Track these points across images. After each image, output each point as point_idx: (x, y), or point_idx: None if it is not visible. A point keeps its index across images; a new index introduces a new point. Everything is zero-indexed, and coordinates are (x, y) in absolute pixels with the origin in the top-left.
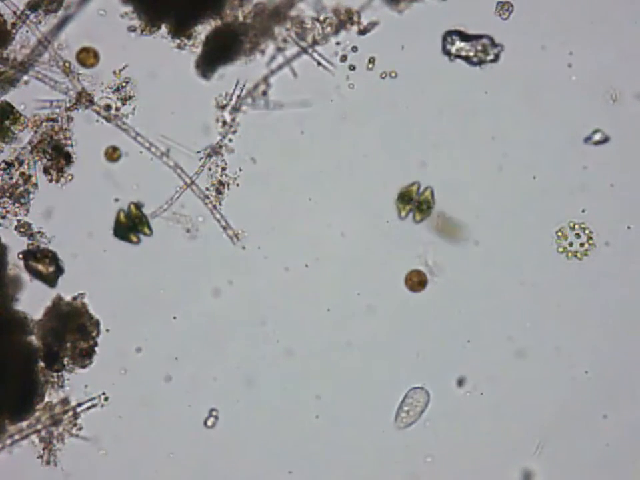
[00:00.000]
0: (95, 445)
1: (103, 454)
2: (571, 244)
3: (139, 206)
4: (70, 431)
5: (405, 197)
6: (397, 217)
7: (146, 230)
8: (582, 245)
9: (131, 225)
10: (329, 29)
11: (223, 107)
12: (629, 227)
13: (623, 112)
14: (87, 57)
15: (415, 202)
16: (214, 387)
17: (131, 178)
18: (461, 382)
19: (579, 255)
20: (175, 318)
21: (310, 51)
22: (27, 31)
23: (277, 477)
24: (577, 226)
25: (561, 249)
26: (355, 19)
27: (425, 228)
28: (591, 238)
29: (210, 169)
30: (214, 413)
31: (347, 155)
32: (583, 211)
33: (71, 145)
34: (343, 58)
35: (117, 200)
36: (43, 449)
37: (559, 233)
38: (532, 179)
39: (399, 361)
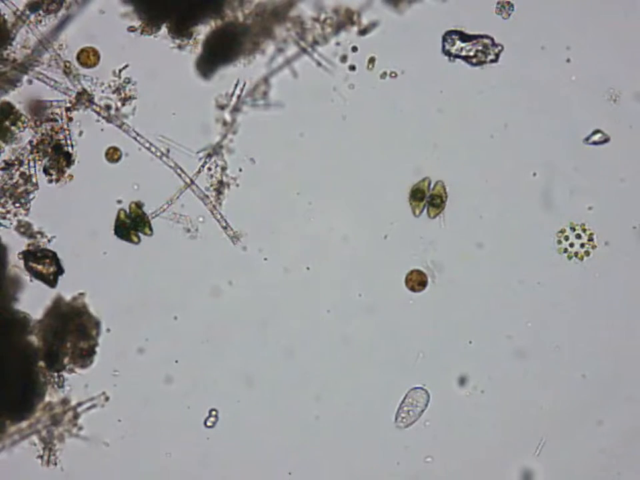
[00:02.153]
0: (96, 444)
1: (104, 449)
2: (571, 245)
3: (139, 205)
4: (70, 430)
5: (417, 194)
6: (411, 215)
7: (147, 230)
8: (583, 245)
9: (131, 225)
10: (329, 29)
11: (223, 107)
12: (634, 227)
13: (623, 112)
14: (87, 57)
15: (427, 197)
16: (214, 387)
17: (131, 178)
18: (461, 381)
19: (579, 255)
20: (175, 318)
21: (310, 51)
22: (27, 31)
23: (277, 478)
24: (577, 226)
25: (561, 250)
26: (355, 19)
27: (432, 226)
28: (591, 239)
29: (210, 169)
30: (214, 413)
31: (347, 155)
32: (590, 208)
33: (71, 145)
34: (343, 58)
35: (119, 202)
36: (43, 449)
37: (560, 234)
38: (532, 179)
39: (399, 361)
